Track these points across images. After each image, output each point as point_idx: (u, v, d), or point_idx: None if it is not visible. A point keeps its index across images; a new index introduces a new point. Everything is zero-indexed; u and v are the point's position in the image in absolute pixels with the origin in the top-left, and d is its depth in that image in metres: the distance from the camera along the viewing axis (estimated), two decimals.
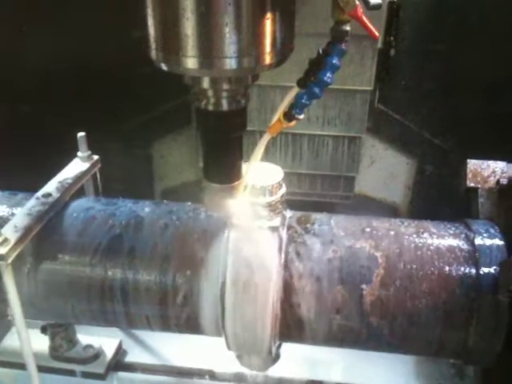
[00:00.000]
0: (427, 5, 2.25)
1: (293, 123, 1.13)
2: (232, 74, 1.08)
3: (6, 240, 1.03)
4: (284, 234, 1.21)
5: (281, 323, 1.19)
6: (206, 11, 0.97)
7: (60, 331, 1.64)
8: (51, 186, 1.29)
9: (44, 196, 1.24)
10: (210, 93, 1.14)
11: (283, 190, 1.24)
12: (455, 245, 1.20)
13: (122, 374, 1.75)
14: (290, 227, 1.23)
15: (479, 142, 2.16)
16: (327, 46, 1.08)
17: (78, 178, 1.37)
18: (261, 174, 1.23)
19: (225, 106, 1.17)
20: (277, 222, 1.18)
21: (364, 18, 0.99)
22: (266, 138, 1.20)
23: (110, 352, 1.75)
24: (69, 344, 1.69)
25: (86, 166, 1.44)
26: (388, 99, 2.48)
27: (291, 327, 1.20)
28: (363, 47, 2.24)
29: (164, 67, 1.08)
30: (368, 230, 1.23)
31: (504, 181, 1.35)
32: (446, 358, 1.31)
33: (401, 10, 2.22)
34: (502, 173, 1.40)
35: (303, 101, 1.08)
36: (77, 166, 1.44)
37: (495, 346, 1.16)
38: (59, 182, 1.32)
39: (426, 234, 1.22)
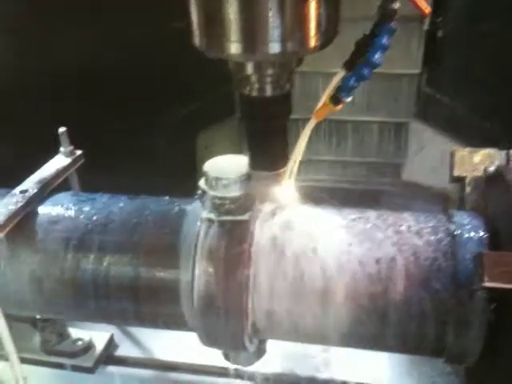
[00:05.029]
0: None
1: (339, 107, 1.10)
2: (276, 59, 1.06)
3: None
4: (256, 228, 1.15)
5: (252, 319, 1.15)
6: None
7: (49, 325, 1.65)
8: (29, 182, 1.29)
9: (21, 192, 1.24)
10: (254, 78, 1.13)
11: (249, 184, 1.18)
12: (433, 238, 1.11)
13: (112, 368, 1.72)
14: (263, 221, 1.17)
15: None
16: (374, 26, 1.04)
17: (59, 173, 1.36)
18: (226, 166, 1.16)
19: (269, 91, 1.15)
20: (247, 216, 1.13)
21: None
22: (312, 123, 1.18)
23: (100, 345, 1.73)
24: (58, 337, 1.69)
25: (67, 161, 1.42)
26: (436, 83, 2.41)
27: (263, 323, 1.16)
28: (410, 29, 2.18)
29: (208, 53, 1.07)
30: (344, 223, 1.17)
31: (491, 169, 1.22)
32: (426, 356, 1.24)
33: None
34: (491, 160, 1.29)
35: (351, 83, 1.05)
36: (58, 162, 1.42)
37: (475, 343, 1.09)
38: (38, 178, 1.31)
39: (403, 227, 1.14)
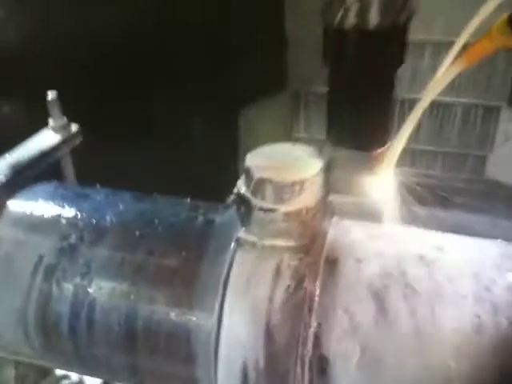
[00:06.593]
0: None
1: None
2: None
3: None
4: (324, 259, 0.73)
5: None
6: None
7: None
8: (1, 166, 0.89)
9: None
10: None
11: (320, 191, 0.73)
12: None
13: None
14: (339, 248, 0.74)
15: None
16: None
17: (42, 155, 0.97)
18: (281, 160, 0.73)
19: (373, 20, 0.73)
20: (308, 239, 0.72)
21: None
22: (449, 76, 0.73)
23: None
24: (38, 374, 1.36)
25: (58, 138, 1.02)
26: None
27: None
28: None
29: None
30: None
31: None
32: None
33: None
34: None
35: None
36: (46, 139, 1.01)
37: None
38: (11, 161, 0.92)
39: None
